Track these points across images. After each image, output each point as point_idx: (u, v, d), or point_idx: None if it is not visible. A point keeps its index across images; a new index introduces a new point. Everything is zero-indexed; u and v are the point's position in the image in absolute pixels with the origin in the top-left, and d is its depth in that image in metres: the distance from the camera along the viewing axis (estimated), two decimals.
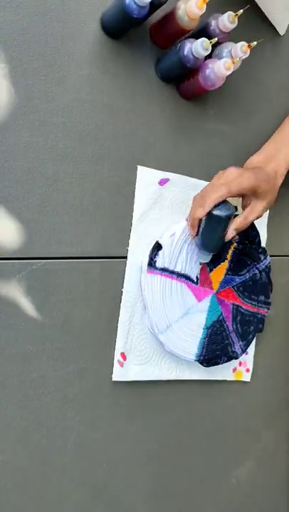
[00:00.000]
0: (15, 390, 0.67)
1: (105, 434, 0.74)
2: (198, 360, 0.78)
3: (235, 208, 0.78)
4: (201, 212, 0.69)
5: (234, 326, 0.81)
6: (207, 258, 0.78)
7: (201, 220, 0.71)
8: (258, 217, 0.73)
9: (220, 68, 0.69)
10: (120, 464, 0.76)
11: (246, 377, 0.89)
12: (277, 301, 0.93)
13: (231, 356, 0.81)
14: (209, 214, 0.69)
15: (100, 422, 0.74)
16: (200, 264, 0.79)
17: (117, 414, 0.75)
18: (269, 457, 0.94)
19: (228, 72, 0.69)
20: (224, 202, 0.70)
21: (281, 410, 0.95)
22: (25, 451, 0.68)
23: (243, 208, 0.75)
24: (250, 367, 0.89)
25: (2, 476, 0.67)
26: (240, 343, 0.82)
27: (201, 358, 0.78)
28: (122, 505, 0.77)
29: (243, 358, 0.87)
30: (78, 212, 0.70)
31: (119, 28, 0.69)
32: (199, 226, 0.72)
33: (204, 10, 0.65)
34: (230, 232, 0.72)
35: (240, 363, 0.87)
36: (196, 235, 0.73)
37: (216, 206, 0.69)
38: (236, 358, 0.81)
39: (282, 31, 0.86)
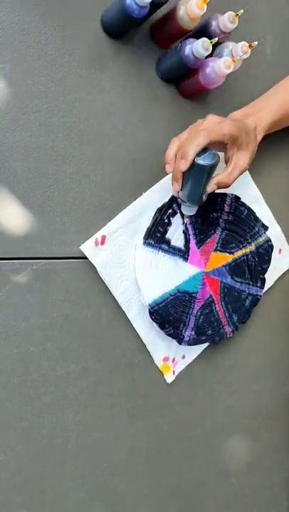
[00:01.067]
0: (15, 390, 0.67)
1: (106, 434, 0.74)
2: (149, 308, 0.75)
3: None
4: (184, 164, 0.65)
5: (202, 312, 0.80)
6: (192, 210, 0.75)
7: (184, 172, 0.68)
8: (241, 172, 0.71)
9: (220, 67, 0.69)
10: (120, 464, 0.76)
11: (169, 376, 0.80)
12: (278, 295, 0.92)
13: (178, 335, 0.78)
14: (192, 163, 0.66)
15: (101, 422, 0.73)
16: (186, 217, 0.77)
17: (117, 414, 0.75)
18: (269, 457, 0.94)
19: (229, 71, 0.69)
20: (207, 150, 0.67)
21: (280, 410, 0.95)
22: (26, 451, 0.68)
23: (226, 161, 0.72)
24: (177, 371, 0.81)
25: (2, 476, 0.67)
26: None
27: (155, 307, 0.75)
28: (122, 505, 0.77)
29: (181, 359, 0.81)
30: (79, 212, 0.70)
31: (120, 28, 0.69)
32: (183, 179, 0.68)
33: (205, 10, 0.65)
34: (212, 187, 0.69)
35: (173, 360, 0.80)
36: (181, 190, 0.70)
37: (198, 155, 0.66)
38: (181, 340, 0.78)
39: None
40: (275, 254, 0.87)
